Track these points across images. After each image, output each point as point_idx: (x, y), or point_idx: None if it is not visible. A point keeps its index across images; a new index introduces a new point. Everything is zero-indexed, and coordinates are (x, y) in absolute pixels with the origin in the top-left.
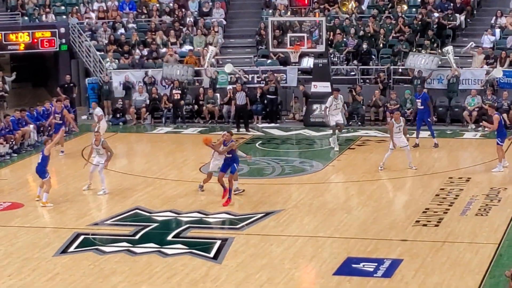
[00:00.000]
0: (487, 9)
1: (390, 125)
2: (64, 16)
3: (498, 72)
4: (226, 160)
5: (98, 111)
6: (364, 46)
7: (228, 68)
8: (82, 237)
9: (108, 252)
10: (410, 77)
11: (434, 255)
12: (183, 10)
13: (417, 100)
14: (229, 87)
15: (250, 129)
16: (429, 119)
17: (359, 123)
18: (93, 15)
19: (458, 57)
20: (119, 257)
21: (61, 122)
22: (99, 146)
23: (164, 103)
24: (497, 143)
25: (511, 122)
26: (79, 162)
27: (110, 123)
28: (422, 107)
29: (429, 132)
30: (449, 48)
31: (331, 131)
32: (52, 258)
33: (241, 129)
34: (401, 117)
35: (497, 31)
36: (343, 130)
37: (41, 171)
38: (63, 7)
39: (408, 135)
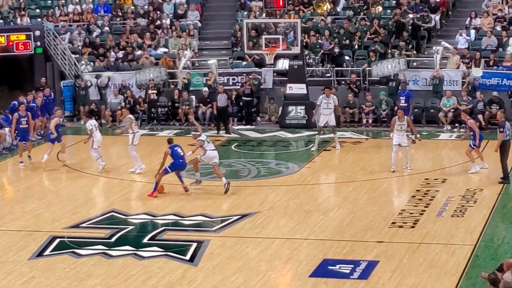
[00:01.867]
0: (462, 10)
1: (392, 121)
2: (39, 19)
3: (477, 72)
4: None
5: (88, 125)
6: (336, 50)
7: (213, 61)
8: (57, 240)
9: (84, 255)
10: (385, 80)
11: (410, 256)
12: (158, 12)
13: (401, 98)
14: (205, 89)
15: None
16: (411, 117)
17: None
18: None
19: (433, 58)
20: (95, 260)
21: (26, 126)
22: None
23: (140, 105)
24: (470, 145)
25: (487, 124)
26: (54, 164)
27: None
28: (406, 104)
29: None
30: (440, 48)
31: (305, 134)
32: (27, 261)
33: (221, 131)
34: (405, 116)
35: (472, 32)
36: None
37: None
38: (38, 10)
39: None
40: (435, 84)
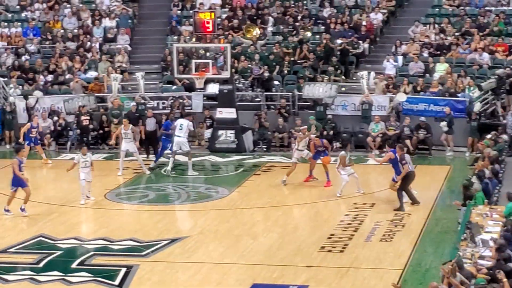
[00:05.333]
0: (389, 36)
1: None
2: None
3: (401, 96)
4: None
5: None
6: (266, 74)
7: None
8: None
9: (11, 280)
10: (312, 104)
11: (339, 281)
12: (88, 36)
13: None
14: (133, 103)
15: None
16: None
17: (265, 149)
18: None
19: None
20: (22, 286)
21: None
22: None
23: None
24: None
25: (415, 149)
26: None
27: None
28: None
29: (334, 158)
30: (365, 73)
31: (235, 158)
32: None
33: (150, 155)
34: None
35: (400, 57)
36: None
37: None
38: None
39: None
40: (364, 109)
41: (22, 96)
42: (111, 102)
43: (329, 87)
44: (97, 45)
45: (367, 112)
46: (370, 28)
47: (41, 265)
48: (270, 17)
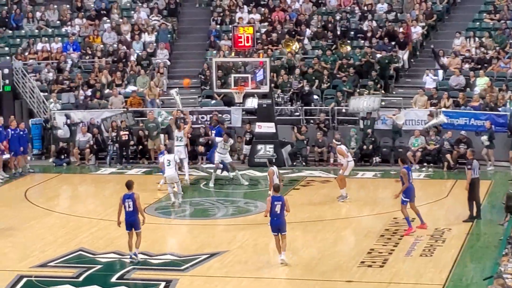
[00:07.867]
0: (430, 50)
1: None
2: (8, 57)
3: (441, 119)
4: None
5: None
6: (306, 88)
7: (174, 93)
8: (25, 280)
9: None
10: (355, 118)
11: None
12: (127, 50)
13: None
14: (170, 117)
15: (194, 169)
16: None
17: (303, 164)
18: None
19: (401, 98)
20: None
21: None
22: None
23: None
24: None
25: (455, 163)
26: (22, 204)
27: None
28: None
29: (374, 172)
30: (401, 114)
31: None
32: None
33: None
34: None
35: (440, 72)
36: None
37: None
38: (6, 48)
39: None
40: (394, 124)
41: (62, 111)
42: (147, 115)
43: (372, 100)
44: (136, 60)
45: (397, 127)
46: (409, 38)
47: (81, 279)
48: (308, 30)
